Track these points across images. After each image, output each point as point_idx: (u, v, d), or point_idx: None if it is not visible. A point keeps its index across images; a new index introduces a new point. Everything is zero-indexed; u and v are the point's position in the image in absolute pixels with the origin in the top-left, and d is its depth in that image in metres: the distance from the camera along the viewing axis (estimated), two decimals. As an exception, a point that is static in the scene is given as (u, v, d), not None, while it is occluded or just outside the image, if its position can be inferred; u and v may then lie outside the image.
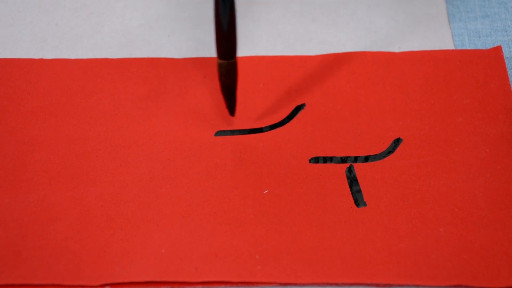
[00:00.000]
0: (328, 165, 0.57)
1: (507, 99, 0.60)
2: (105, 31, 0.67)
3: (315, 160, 0.57)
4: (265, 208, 0.55)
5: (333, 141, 0.58)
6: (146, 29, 0.67)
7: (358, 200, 0.55)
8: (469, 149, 0.57)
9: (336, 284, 0.52)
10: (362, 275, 0.51)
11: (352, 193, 0.56)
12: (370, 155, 0.58)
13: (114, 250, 0.53)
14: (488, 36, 0.65)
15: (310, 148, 0.58)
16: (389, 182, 0.56)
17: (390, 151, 0.58)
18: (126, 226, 0.54)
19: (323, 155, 0.58)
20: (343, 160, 0.57)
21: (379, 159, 0.57)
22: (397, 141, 0.58)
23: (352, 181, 0.56)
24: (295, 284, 0.52)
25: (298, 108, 0.61)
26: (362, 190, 0.56)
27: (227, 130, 0.59)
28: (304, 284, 0.52)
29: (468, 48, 0.64)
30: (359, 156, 0.58)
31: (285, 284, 0.52)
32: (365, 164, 0.57)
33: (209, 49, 0.65)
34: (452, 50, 0.63)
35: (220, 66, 0.56)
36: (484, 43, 0.65)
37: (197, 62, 0.64)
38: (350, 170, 0.57)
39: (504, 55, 0.63)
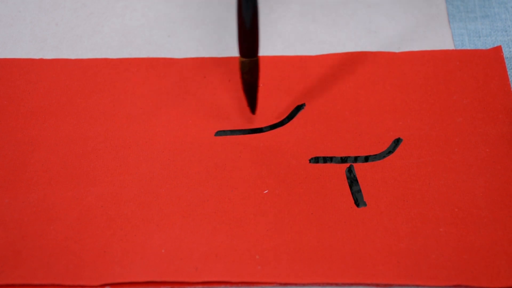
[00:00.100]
0: (328, 165, 0.57)
1: (507, 99, 0.60)
2: (105, 31, 0.67)
3: (315, 160, 0.57)
4: (265, 208, 0.55)
5: (333, 141, 0.58)
6: (146, 29, 0.67)
7: (358, 200, 0.55)
8: (469, 149, 0.57)
9: (336, 284, 0.52)
10: (362, 275, 0.51)
11: (352, 193, 0.56)
12: (370, 155, 0.58)
13: (114, 250, 0.53)
14: (488, 36, 0.65)
15: (310, 148, 0.58)
16: (389, 182, 0.56)
17: (390, 151, 0.58)
18: (126, 226, 0.54)
19: (323, 155, 0.58)
20: (343, 160, 0.57)
21: (379, 159, 0.57)
22: (397, 141, 0.58)
23: (352, 181, 0.56)
24: (295, 284, 0.52)
25: (298, 108, 0.61)
26: (362, 190, 0.56)
27: (227, 130, 0.59)
28: (304, 284, 0.52)
29: (468, 48, 0.64)
30: (359, 156, 0.58)
31: (285, 284, 0.52)
32: (365, 164, 0.57)
33: (209, 49, 0.65)
34: (452, 50, 0.63)
35: (242, 64, 0.56)
36: (484, 43, 0.65)
37: (197, 62, 0.64)
38: (350, 170, 0.57)
39: (504, 55, 0.63)
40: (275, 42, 0.65)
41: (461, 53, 0.63)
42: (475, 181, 0.55)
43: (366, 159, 0.57)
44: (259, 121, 0.60)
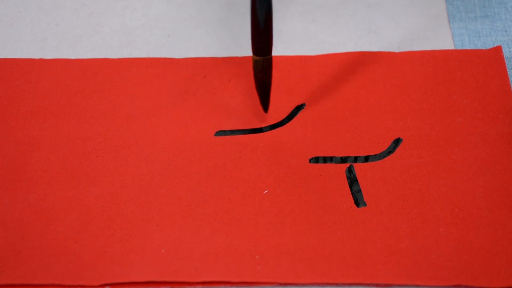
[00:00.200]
0: (328, 165, 0.57)
1: (507, 99, 0.60)
2: (105, 31, 0.67)
3: (315, 160, 0.57)
4: (265, 208, 0.55)
5: (333, 141, 0.58)
6: (146, 29, 0.67)
7: (358, 200, 0.55)
8: (469, 149, 0.57)
9: (336, 284, 0.52)
10: (362, 275, 0.51)
11: (352, 193, 0.56)
12: (370, 155, 0.58)
13: (114, 250, 0.53)
14: (488, 36, 0.65)
15: (310, 148, 0.58)
16: (389, 182, 0.56)
17: (390, 151, 0.58)
18: (126, 226, 0.54)
19: (323, 155, 0.58)
20: (343, 160, 0.57)
21: (379, 159, 0.57)
22: (397, 141, 0.58)
23: (352, 181, 0.56)
24: (295, 284, 0.52)
25: (298, 108, 0.61)
26: (362, 190, 0.56)
27: (227, 130, 0.59)
28: (304, 284, 0.52)
29: (468, 48, 0.64)
30: (359, 156, 0.58)
31: (285, 284, 0.52)
32: (365, 164, 0.57)
33: (209, 49, 0.65)
34: (452, 50, 0.63)
35: (256, 63, 0.56)
36: (484, 43, 0.65)
37: (197, 62, 0.64)
38: (350, 170, 0.57)
39: (504, 55, 0.63)
40: (275, 42, 0.65)
41: (461, 53, 0.63)
42: (475, 181, 0.55)
43: (366, 159, 0.57)
44: (259, 121, 0.60)
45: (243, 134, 0.59)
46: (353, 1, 0.68)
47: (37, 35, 0.66)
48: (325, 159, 0.57)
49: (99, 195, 0.56)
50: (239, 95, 0.61)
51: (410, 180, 0.56)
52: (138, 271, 0.52)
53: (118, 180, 0.56)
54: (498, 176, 0.56)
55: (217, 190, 0.56)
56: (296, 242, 0.53)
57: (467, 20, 0.66)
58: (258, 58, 0.55)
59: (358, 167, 0.57)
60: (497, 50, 0.63)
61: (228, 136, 0.59)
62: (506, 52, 0.64)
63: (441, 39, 0.65)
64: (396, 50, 0.64)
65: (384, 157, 0.57)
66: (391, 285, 0.51)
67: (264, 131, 0.59)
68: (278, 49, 0.65)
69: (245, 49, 0.64)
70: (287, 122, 0.60)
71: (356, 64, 0.63)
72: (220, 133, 0.59)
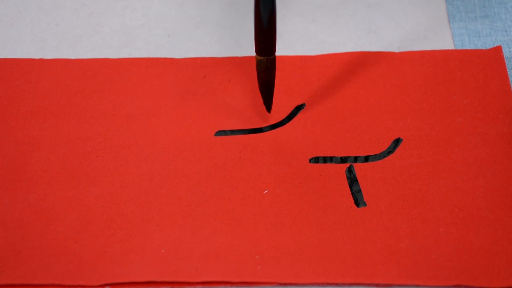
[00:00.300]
0: (328, 165, 0.57)
1: (507, 99, 0.60)
2: (105, 31, 0.67)
3: (315, 160, 0.57)
4: (265, 208, 0.55)
5: (333, 141, 0.58)
6: (146, 29, 0.67)
7: (358, 200, 0.55)
8: (469, 149, 0.57)
9: (336, 284, 0.52)
10: (362, 275, 0.51)
11: (352, 193, 0.56)
12: (370, 155, 0.58)
13: (114, 250, 0.53)
14: (488, 36, 0.65)
15: (310, 148, 0.58)
16: (389, 182, 0.56)
17: (390, 151, 0.58)
18: (126, 226, 0.54)
19: (323, 155, 0.58)
20: (343, 160, 0.57)
21: (379, 159, 0.57)
22: (397, 141, 0.58)
23: (352, 181, 0.56)
24: (295, 284, 0.52)
25: (298, 108, 0.61)
26: (362, 190, 0.56)
27: (227, 130, 0.59)
28: (304, 284, 0.52)
29: (468, 48, 0.64)
30: (359, 156, 0.58)
31: (285, 284, 0.52)
32: (365, 164, 0.57)
33: (209, 49, 0.65)
34: (452, 50, 0.63)
35: (259, 63, 0.56)
36: (484, 43, 0.65)
37: (197, 62, 0.64)
38: (350, 170, 0.57)
39: (504, 55, 0.63)
40: (275, 42, 0.65)
41: (461, 53, 0.63)
42: (475, 181, 0.55)
43: (366, 159, 0.57)
44: (259, 121, 0.60)
45: (243, 134, 0.59)
46: (353, 1, 0.68)
47: (37, 35, 0.66)
48: (325, 159, 0.57)
49: (99, 195, 0.56)
50: (239, 95, 0.61)
51: (410, 180, 0.56)
52: (138, 271, 0.52)
53: (118, 180, 0.56)
54: (498, 176, 0.56)
55: (217, 190, 0.56)
56: (296, 242, 0.53)
57: (467, 20, 0.66)
58: (261, 58, 0.56)
59: (358, 167, 0.57)
60: (497, 50, 0.63)
61: (228, 136, 0.59)
62: (506, 52, 0.64)
63: (441, 39, 0.65)
64: (396, 50, 0.64)
65: (384, 157, 0.57)
66: (391, 285, 0.51)
67: (264, 131, 0.59)
68: (278, 49, 0.65)
69: (245, 49, 0.64)
70: (287, 122, 0.60)
71: (356, 64, 0.63)
72: (220, 133, 0.59)
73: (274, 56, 0.56)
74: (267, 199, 0.55)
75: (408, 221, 0.54)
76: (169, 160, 0.58)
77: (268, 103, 0.59)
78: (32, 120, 0.60)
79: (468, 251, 0.52)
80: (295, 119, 0.60)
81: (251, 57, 0.63)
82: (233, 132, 0.59)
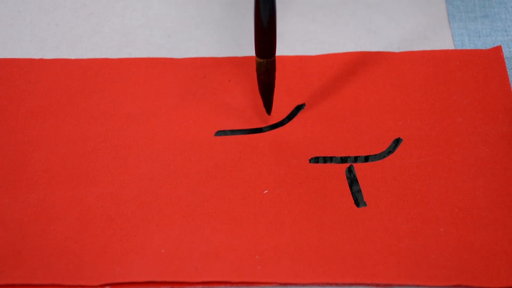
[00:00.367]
0: (328, 165, 0.57)
1: (507, 99, 0.60)
2: (105, 31, 0.67)
3: (315, 160, 0.57)
4: (265, 208, 0.55)
5: (333, 141, 0.58)
6: (146, 29, 0.67)
7: (358, 200, 0.55)
8: (469, 149, 0.57)
9: (336, 284, 0.52)
10: (362, 275, 0.51)
11: (352, 193, 0.56)
12: (370, 155, 0.58)
13: (114, 250, 0.53)
14: (488, 36, 0.65)
15: (310, 148, 0.58)
16: (389, 182, 0.56)
17: (390, 151, 0.58)
18: (126, 226, 0.54)
19: (323, 155, 0.58)
20: (343, 160, 0.57)
21: (379, 159, 0.57)
22: (397, 141, 0.58)
23: (352, 181, 0.56)
24: (295, 284, 0.52)
25: (298, 108, 0.61)
26: (362, 190, 0.56)
27: (227, 130, 0.59)
28: (304, 284, 0.52)
29: (468, 48, 0.64)
30: (359, 156, 0.58)
31: (285, 284, 0.52)
32: (365, 164, 0.57)
33: (209, 49, 0.65)
34: (452, 50, 0.64)
35: (259, 65, 0.56)
36: (484, 43, 0.65)
37: (197, 62, 0.64)
38: (350, 170, 0.57)
39: (504, 55, 0.63)
40: (275, 42, 0.65)
41: (461, 53, 0.63)
42: (475, 181, 0.55)
43: (366, 159, 0.57)
44: (259, 121, 0.60)
45: (243, 134, 0.59)
46: (353, 1, 0.68)
47: (37, 35, 0.66)
48: (325, 159, 0.57)
49: (99, 195, 0.56)
50: (239, 95, 0.61)
51: (410, 180, 0.56)
52: (138, 271, 0.52)
53: (118, 180, 0.56)
54: (498, 176, 0.56)
55: (217, 190, 0.56)
56: (296, 242, 0.53)
57: (467, 20, 0.66)
58: (261, 60, 0.56)
59: (358, 167, 0.57)
60: (497, 50, 0.63)
61: (228, 136, 0.59)
62: (506, 52, 0.64)
63: (441, 39, 0.65)
64: (396, 50, 0.64)
65: (384, 157, 0.57)
66: (391, 285, 0.51)
67: (264, 131, 0.59)
68: (278, 49, 0.65)
69: (245, 49, 0.64)
70: (287, 122, 0.60)
71: (356, 64, 0.63)
72: (220, 133, 0.59)
73: (274, 58, 0.56)
74: (267, 199, 0.55)
75: (408, 221, 0.54)
76: (169, 160, 0.58)
77: (268, 105, 0.59)
78: (32, 120, 0.60)
79: (468, 251, 0.52)
80: (295, 119, 0.60)
81: (251, 57, 0.63)
82: (233, 132, 0.59)
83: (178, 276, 0.52)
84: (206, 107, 0.61)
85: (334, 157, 0.58)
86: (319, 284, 0.52)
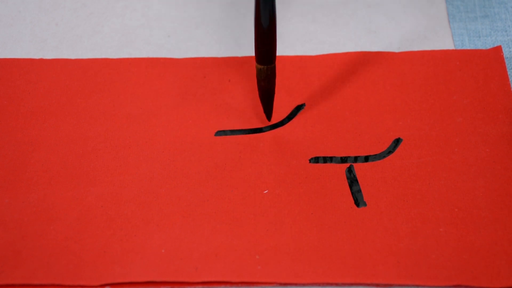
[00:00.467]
0: (328, 165, 0.57)
1: (507, 99, 0.60)
2: (105, 31, 0.67)
3: (315, 160, 0.57)
4: (265, 208, 0.55)
5: (333, 141, 0.58)
6: (146, 29, 0.67)
7: (358, 200, 0.55)
8: (469, 149, 0.57)
9: (336, 284, 0.52)
10: (362, 275, 0.51)
11: (352, 193, 0.56)
12: (370, 155, 0.58)
13: (114, 250, 0.53)
14: (488, 36, 0.65)
15: (310, 148, 0.58)
16: (389, 182, 0.56)
17: (390, 151, 0.58)
18: (126, 226, 0.54)
19: (323, 155, 0.58)
20: (343, 160, 0.57)
21: (379, 159, 0.57)
22: (397, 141, 0.58)
23: (352, 181, 0.56)
24: (295, 284, 0.52)
25: (298, 108, 0.61)
26: (362, 190, 0.56)
27: (227, 130, 0.59)
28: (304, 284, 0.52)
29: (468, 48, 0.64)
30: (359, 156, 0.58)
31: (285, 284, 0.52)
32: (365, 164, 0.57)
33: (209, 49, 0.65)
34: (452, 50, 0.64)
35: (259, 72, 0.56)
36: (484, 43, 0.65)
37: (197, 62, 0.64)
38: (350, 170, 0.57)
39: (504, 55, 0.63)
40: (275, 42, 0.65)
41: (461, 53, 0.63)
42: (475, 181, 0.55)
43: (366, 159, 0.57)
44: (259, 121, 0.60)
45: (243, 134, 0.59)
46: (353, 1, 0.68)
47: (37, 35, 0.66)
48: (325, 159, 0.57)
49: (99, 195, 0.56)
50: (239, 95, 0.61)
51: (410, 180, 0.56)
52: (138, 271, 0.52)
53: (118, 180, 0.56)
54: (498, 176, 0.56)
55: (217, 190, 0.56)
56: (296, 242, 0.53)
57: (467, 20, 0.66)
58: (261, 67, 0.56)
59: (358, 167, 0.57)
60: (497, 50, 0.63)
61: (228, 136, 0.59)
62: (506, 52, 0.64)
63: (441, 39, 0.65)
64: (396, 50, 0.64)
65: (384, 157, 0.57)
66: (391, 285, 0.51)
67: (264, 131, 0.59)
68: (278, 49, 0.65)
69: (245, 49, 0.64)
70: (287, 122, 0.60)
71: (356, 64, 0.63)
72: (220, 133, 0.59)
73: (274, 65, 0.56)
74: (267, 199, 0.55)
75: (408, 221, 0.54)
76: (169, 160, 0.58)
77: (268, 111, 0.59)
78: (32, 120, 0.60)
79: (468, 251, 0.52)
80: (295, 119, 0.60)
81: (251, 57, 0.63)
82: (233, 132, 0.59)
83: (178, 276, 0.52)
84: (206, 107, 0.61)
85: (334, 157, 0.58)
86: (319, 284, 0.52)
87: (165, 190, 0.56)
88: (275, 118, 0.60)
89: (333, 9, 0.68)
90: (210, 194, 0.56)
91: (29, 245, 0.53)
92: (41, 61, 0.64)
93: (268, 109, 0.59)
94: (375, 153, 0.58)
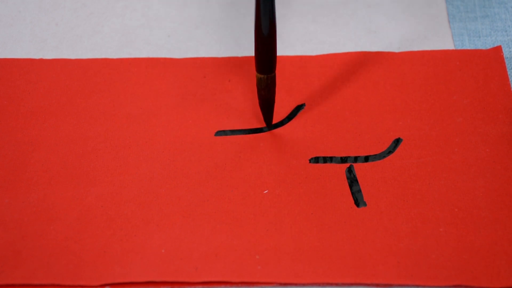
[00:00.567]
0: (328, 165, 0.57)
1: (507, 99, 0.60)
2: (105, 31, 0.67)
3: (315, 160, 0.57)
4: (265, 208, 0.55)
5: (333, 141, 0.58)
6: (146, 29, 0.67)
7: (358, 200, 0.55)
8: (469, 149, 0.57)
9: (336, 284, 0.52)
10: (362, 275, 0.51)
11: (352, 193, 0.55)
12: (370, 155, 0.58)
13: (114, 250, 0.53)
14: (488, 36, 0.65)
15: (310, 148, 0.58)
16: (389, 182, 0.56)
17: (390, 151, 0.58)
18: (126, 226, 0.54)
19: (323, 155, 0.58)
20: (343, 160, 0.57)
21: (379, 159, 0.57)
22: (397, 141, 0.58)
23: (352, 181, 0.56)
24: (295, 284, 0.52)
25: (298, 108, 0.61)
26: (362, 190, 0.56)
27: (227, 130, 0.59)
28: (304, 284, 0.52)
29: (468, 48, 0.64)
30: (359, 156, 0.58)
31: (285, 284, 0.52)
32: (365, 164, 0.57)
33: (209, 49, 0.65)
34: (452, 50, 0.64)
35: (259, 81, 0.56)
36: (484, 43, 0.65)
37: (197, 62, 0.64)
38: (350, 170, 0.57)
39: (504, 55, 0.63)
40: (275, 42, 0.65)
41: (461, 53, 0.63)
42: (475, 181, 0.55)
43: (366, 159, 0.57)
44: (259, 121, 0.60)
45: (243, 134, 0.59)
46: (353, 1, 0.68)
47: (37, 35, 0.66)
48: (325, 159, 0.57)
49: (99, 195, 0.56)
50: (239, 95, 0.61)
51: (410, 180, 0.56)
52: (138, 271, 0.52)
53: (118, 180, 0.56)
54: (498, 176, 0.56)
55: (217, 190, 0.56)
56: (296, 242, 0.53)
57: (467, 20, 0.66)
58: (262, 76, 0.56)
59: (358, 167, 0.57)
60: (497, 50, 0.63)
61: (228, 136, 0.59)
62: (506, 52, 0.64)
63: (441, 39, 0.65)
64: (396, 50, 0.64)
65: (384, 157, 0.57)
66: (391, 285, 0.51)
67: (264, 131, 0.59)
68: (278, 49, 0.65)
69: (245, 49, 0.64)
70: (287, 122, 0.60)
71: (356, 64, 0.63)
72: (220, 133, 0.59)
73: (275, 74, 0.56)
74: (267, 199, 0.55)
75: (408, 221, 0.54)
76: (169, 160, 0.58)
77: (268, 119, 0.59)
78: (32, 120, 0.60)
79: (468, 251, 0.52)
80: (295, 119, 0.60)
81: (251, 57, 0.63)
82: (233, 132, 0.59)
83: (178, 276, 0.52)
84: (206, 107, 0.61)
85: (334, 157, 0.58)
86: (319, 284, 0.52)
87: (165, 190, 0.56)
88: (275, 118, 0.60)
89: (333, 9, 0.68)
90: (210, 194, 0.56)
91: (29, 245, 0.53)
92: (41, 61, 0.64)
93: (268, 117, 0.59)
94: (375, 153, 0.58)
